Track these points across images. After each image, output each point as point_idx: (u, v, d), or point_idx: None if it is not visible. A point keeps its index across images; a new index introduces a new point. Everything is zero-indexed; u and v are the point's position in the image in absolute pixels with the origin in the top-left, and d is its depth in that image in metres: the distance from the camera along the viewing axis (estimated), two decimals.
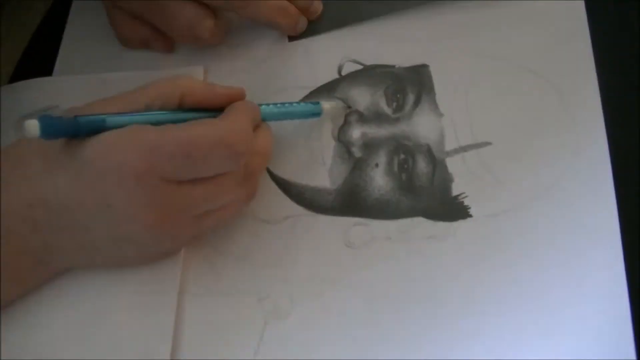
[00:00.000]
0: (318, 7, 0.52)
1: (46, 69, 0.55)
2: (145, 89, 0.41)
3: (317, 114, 0.46)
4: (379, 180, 0.45)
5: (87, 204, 0.38)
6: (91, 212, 0.39)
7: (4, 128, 0.51)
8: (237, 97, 0.43)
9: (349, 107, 0.47)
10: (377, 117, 0.47)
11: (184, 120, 0.40)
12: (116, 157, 0.37)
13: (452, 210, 0.43)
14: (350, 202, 0.44)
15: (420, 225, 0.43)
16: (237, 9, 0.49)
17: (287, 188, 0.45)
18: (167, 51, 0.53)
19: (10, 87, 0.54)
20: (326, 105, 0.46)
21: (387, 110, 0.47)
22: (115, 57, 0.54)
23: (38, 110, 0.52)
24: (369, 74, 0.49)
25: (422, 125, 0.46)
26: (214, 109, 0.42)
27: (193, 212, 0.40)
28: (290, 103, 0.46)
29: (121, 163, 0.37)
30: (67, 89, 0.52)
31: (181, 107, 0.41)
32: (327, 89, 0.49)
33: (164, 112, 0.41)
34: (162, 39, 0.52)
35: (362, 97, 0.48)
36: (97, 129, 0.38)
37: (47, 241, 0.40)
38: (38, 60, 0.56)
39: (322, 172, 0.46)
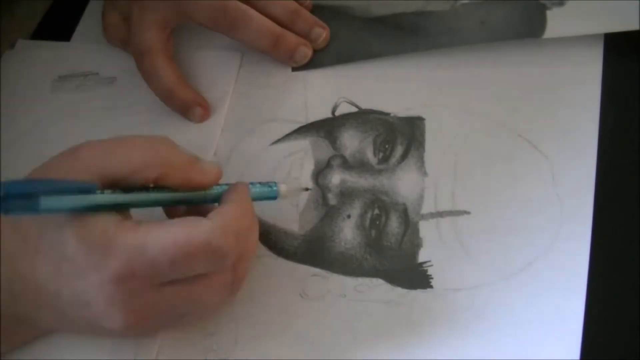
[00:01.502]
0: (319, 33, 0.50)
1: None
2: (122, 155, 0.38)
3: (272, 197, 0.42)
4: (348, 232, 0.43)
5: (66, 297, 0.37)
6: (69, 305, 0.37)
7: (40, 86, 0.53)
8: (211, 183, 0.40)
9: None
10: (360, 165, 0.45)
11: (152, 203, 0.38)
12: (97, 259, 0.35)
13: (414, 277, 0.41)
14: (315, 251, 0.43)
15: (378, 287, 0.41)
16: (225, 32, 0.48)
17: None
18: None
19: (47, 44, 0.56)
20: (283, 187, 0.42)
21: (372, 159, 0.46)
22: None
23: (79, 73, 0.53)
24: (362, 118, 0.47)
25: (403, 182, 0.44)
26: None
27: (174, 314, 0.39)
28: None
29: (101, 265, 0.35)
30: (109, 59, 0.53)
31: (157, 183, 0.38)
32: (317, 128, 0.48)
33: (127, 193, 0.38)
34: None
35: (350, 142, 0.46)
36: (30, 211, 0.35)
37: (27, 312, 0.39)
38: (68, 16, 0.57)
39: (293, 215, 0.45)
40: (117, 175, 0.37)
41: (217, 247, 0.36)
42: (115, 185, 0.37)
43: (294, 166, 0.46)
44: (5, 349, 0.41)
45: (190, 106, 0.48)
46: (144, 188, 0.38)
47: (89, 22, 0.57)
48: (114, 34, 0.52)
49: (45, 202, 0.35)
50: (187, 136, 0.48)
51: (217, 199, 0.40)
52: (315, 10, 0.52)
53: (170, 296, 0.37)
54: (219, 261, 0.37)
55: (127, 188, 0.38)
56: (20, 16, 0.57)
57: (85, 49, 0.55)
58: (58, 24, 0.57)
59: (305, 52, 0.50)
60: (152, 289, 0.36)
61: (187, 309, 0.39)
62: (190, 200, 0.40)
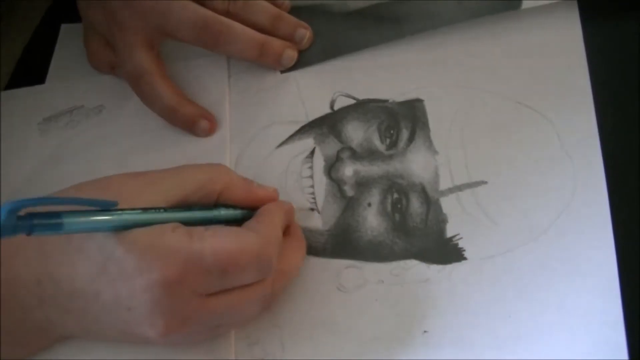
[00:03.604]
0: (303, 34, 0.50)
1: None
2: (183, 178, 0.39)
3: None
4: (372, 220, 0.44)
5: (105, 300, 0.36)
6: (106, 309, 0.36)
7: (27, 133, 0.51)
8: (272, 198, 0.42)
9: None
10: (370, 154, 0.46)
11: (207, 221, 0.39)
12: (149, 261, 0.35)
13: (447, 252, 0.42)
14: (343, 243, 0.43)
15: (413, 268, 0.42)
16: (209, 47, 0.48)
17: None
18: None
19: (32, 89, 0.54)
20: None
21: (380, 146, 0.46)
22: None
23: (64, 110, 0.52)
24: (362, 109, 0.48)
25: (416, 163, 0.45)
26: (247, 208, 0.41)
27: (211, 324, 0.38)
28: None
29: (153, 268, 0.35)
30: (90, 89, 0.52)
31: (217, 203, 0.40)
32: (319, 124, 0.48)
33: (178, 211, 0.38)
34: None
35: (355, 133, 0.47)
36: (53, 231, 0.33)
37: (50, 317, 0.38)
38: (38, 59, 0.56)
39: (314, 212, 0.45)
40: (180, 195, 0.38)
41: (265, 258, 0.38)
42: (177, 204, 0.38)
43: (304, 165, 0.46)
44: (21, 355, 0.40)
45: (195, 121, 0.48)
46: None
47: (61, 57, 0.55)
48: (99, 60, 0.51)
49: (69, 221, 0.33)
50: (194, 151, 0.48)
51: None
52: (293, 11, 0.52)
53: (213, 306, 0.37)
54: (265, 272, 0.38)
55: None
56: (20, 16, 0.56)
57: (64, 86, 0.53)
58: (31, 68, 0.56)
59: (291, 54, 0.50)
60: (197, 297, 0.36)
61: (226, 320, 0.39)
62: (217, 220, 0.40)
